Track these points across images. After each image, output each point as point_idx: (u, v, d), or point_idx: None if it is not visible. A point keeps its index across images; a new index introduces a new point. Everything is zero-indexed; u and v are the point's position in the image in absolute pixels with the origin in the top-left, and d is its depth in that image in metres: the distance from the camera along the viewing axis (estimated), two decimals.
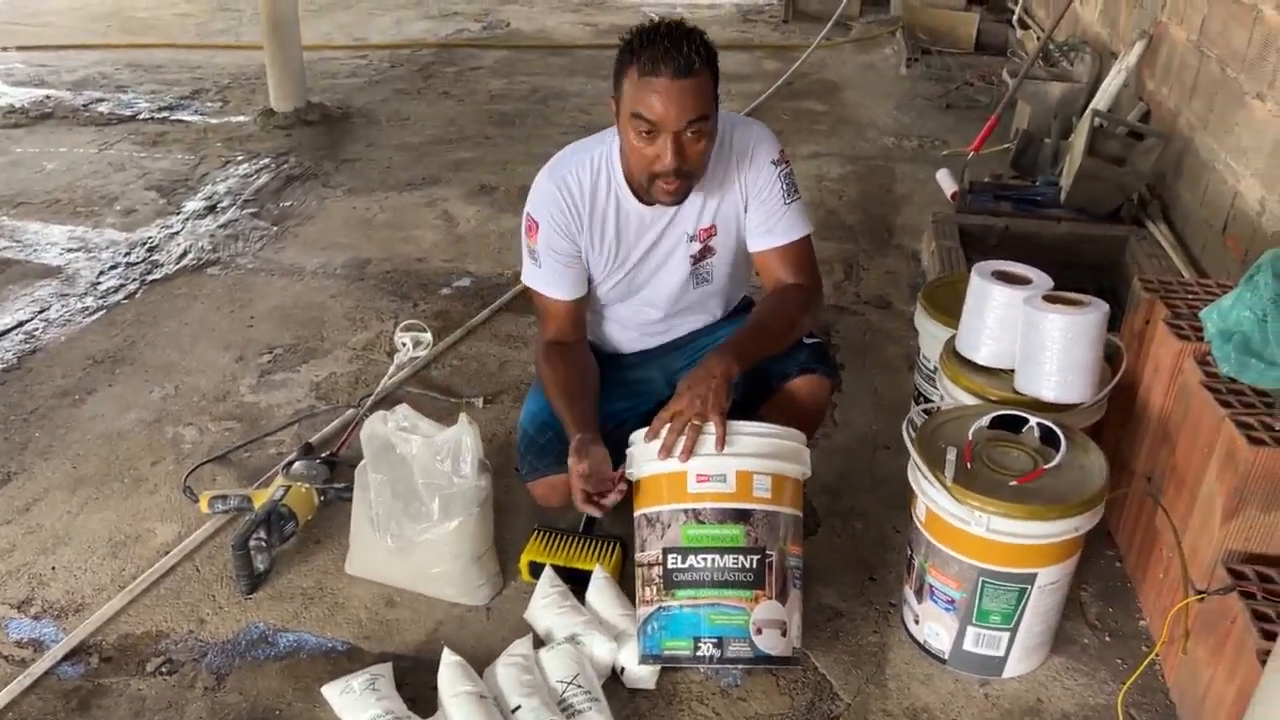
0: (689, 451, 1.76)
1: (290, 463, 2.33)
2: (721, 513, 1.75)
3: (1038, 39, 4.89)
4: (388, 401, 2.69)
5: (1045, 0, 6.24)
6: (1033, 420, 1.89)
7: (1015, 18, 6.59)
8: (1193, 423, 1.91)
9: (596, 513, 1.90)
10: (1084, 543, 1.82)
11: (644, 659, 1.80)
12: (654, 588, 1.77)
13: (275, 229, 3.79)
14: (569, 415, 1.96)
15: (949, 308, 2.32)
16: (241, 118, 4.98)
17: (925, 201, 4.04)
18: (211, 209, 3.94)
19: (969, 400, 2.10)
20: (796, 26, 7.10)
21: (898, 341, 3.05)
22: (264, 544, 2.08)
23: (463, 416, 2.02)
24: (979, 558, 1.78)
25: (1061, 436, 1.84)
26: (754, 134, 2.03)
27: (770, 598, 1.74)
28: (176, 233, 3.74)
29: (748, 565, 1.73)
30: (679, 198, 1.90)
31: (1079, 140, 3.68)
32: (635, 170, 1.89)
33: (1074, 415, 2.00)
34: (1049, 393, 2.00)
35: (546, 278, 2.05)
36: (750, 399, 2.09)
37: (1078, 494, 1.76)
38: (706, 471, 1.76)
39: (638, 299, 2.15)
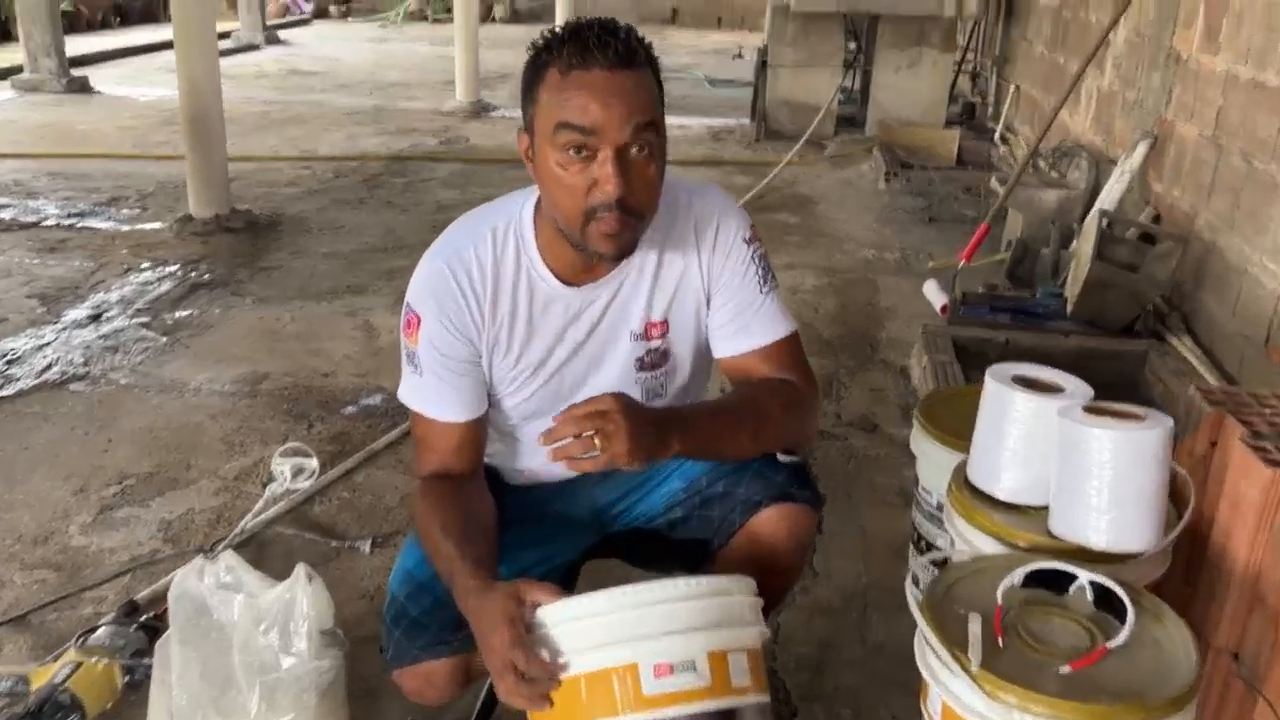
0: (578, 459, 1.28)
1: (90, 630, 1.76)
2: None
3: (1026, 148, 4.55)
4: (251, 545, 2.15)
5: (1029, 117, 5.98)
6: (1082, 577, 1.37)
7: (998, 135, 6.33)
8: None
9: (542, 706, 1.22)
10: None
11: None
12: None
13: (164, 339, 3.28)
14: (459, 560, 1.36)
15: (955, 426, 1.82)
16: (157, 224, 4.54)
17: (911, 314, 3.61)
18: (95, 318, 3.45)
19: (990, 547, 1.57)
20: (769, 145, 6.81)
21: (889, 470, 2.54)
22: None
23: (299, 568, 1.48)
24: None
25: (1126, 600, 1.31)
26: (718, 204, 1.53)
27: None
28: (46, 344, 3.22)
29: None
30: (623, 244, 1.37)
31: (1085, 245, 3.26)
32: (565, 212, 1.36)
33: (1132, 568, 1.48)
34: (1098, 537, 1.48)
35: (431, 391, 1.50)
36: (705, 538, 1.55)
37: (1159, 685, 1.23)
38: (668, 659, 1.16)
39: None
